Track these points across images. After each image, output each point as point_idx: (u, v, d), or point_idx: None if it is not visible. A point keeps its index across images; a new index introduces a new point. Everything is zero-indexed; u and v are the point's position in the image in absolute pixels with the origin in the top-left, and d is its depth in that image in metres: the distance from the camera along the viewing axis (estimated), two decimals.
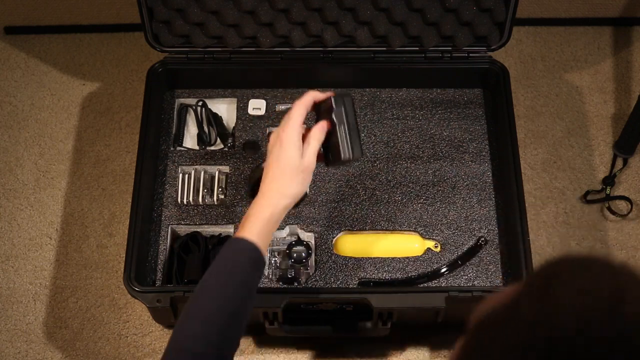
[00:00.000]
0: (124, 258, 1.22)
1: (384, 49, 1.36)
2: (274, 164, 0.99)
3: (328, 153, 1.04)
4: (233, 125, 1.39)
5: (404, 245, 1.27)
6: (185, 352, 0.88)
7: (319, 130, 1.01)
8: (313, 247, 1.27)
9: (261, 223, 0.96)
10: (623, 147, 1.47)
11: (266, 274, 1.25)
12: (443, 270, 1.25)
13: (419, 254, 1.26)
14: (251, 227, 0.95)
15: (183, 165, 1.34)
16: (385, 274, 1.25)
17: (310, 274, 1.25)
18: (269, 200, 0.97)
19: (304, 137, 1.00)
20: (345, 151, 1.01)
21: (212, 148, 1.37)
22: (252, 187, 1.31)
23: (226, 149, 1.36)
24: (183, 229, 1.30)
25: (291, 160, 0.98)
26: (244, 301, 0.93)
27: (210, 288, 0.93)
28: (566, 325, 0.51)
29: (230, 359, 0.91)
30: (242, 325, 0.93)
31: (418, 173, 1.34)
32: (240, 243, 0.95)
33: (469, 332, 0.58)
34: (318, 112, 1.04)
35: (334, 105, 1.01)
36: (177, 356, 0.88)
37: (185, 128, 1.40)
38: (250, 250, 0.94)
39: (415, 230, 1.29)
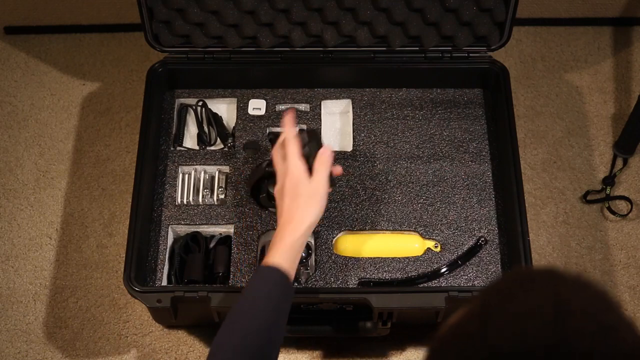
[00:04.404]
0: (124, 258, 1.22)
1: (384, 49, 1.36)
2: (289, 193, 1.06)
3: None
4: (233, 125, 1.39)
5: (404, 245, 1.27)
6: None
7: (327, 156, 1.09)
8: (313, 247, 1.27)
9: (284, 251, 1.02)
10: (623, 147, 1.47)
11: None
12: (443, 270, 1.25)
13: (419, 254, 1.26)
14: (275, 254, 1.01)
15: (183, 165, 1.34)
16: (385, 274, 1.25)
17: (310, 274, 1.25)
18: (290, 230, 1.03)
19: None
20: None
21: (212, 148, 1.37)
22: (252, 187, 1.31)
23: (226, 149, 1.36)
24: (183, 229, 1.30)
25: (302, 188, 1.06)
26: (276, 327, 0.97)
27: (243, 314, 0.96)
28: (508, 341, 0.52)
29: None
30: (276, 350, 0.96)
31: (418, 173, 1.34)
32: (267, 271, 1.00)
33: (430, 348, 0.59)
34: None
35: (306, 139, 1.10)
36: None
37: (185, 128, 1.40)
38: (278, 277, 1.00)
39: (415, 230, 1.29)
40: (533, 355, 0.51)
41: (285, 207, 1.06)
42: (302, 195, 1.05)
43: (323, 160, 1.08)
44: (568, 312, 0.52)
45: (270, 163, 1.32)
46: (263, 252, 1.27)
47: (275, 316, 0.97)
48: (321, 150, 1.09)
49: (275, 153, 1.12)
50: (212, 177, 1.34)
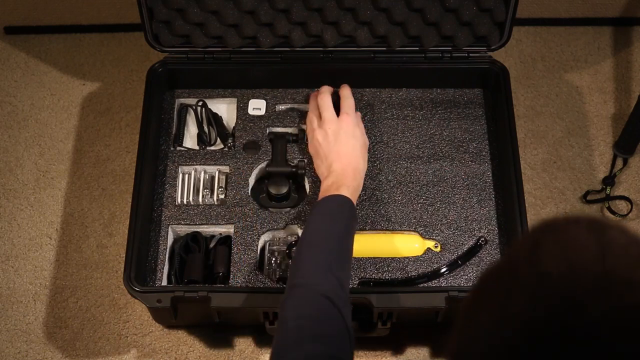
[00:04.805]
0: (124, 258, 1.22)
1: (384, 49, 1.36)
2: (347, 137, 1.21)
3: None
4: (233, 125, 1.39)
5: (404, 245, 1.27)
6: (312, 283, 0.99)
7: (360, 117, 1.29)
8: None
9: (353, 190, 1.14)
10: (623, 147, 1.47)
11: (266, 273, 1.25)
12: (443, 270, 1.25)
13: (419, 254, 1.26)
14: (346, 191, 1.12)
15: (183, 165, 1.34)
16: (385, 274, 1.25)
17: None
18: (354, 174, 1.17)
19: None
20: None
21: (212, 148, 1.37)
22: (252, 187, 1.32)
23: (226, 149, 1.36)
24: (183, 229, 1.30)
25: (361, 141, 1.23)
26: (349, 245, 1.08)
27: (321, 231, 1.07)
28: (556, 266, 0.55)
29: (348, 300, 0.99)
30: (349, 268, 1.08)
31: (418, 173, 1.34)
32: (339, 197, 1.12)
33: (477, 282, 0.62)
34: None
35: None
36: (305, 288, 0.98)
37: (185, 128, 1.40)
38: (350, 204, 1.11)
39: (415, 230, 1.29)
40: (579, 282, 0.54)
41: (345, 153, 1.19)
42: (361, 145, 1.22)
43: (360, 120, 1.28)
44: (612, 247, 0.56)
45: (270, 163, 1.33)
46: (263, 252, 1.27)
47: (350, 236, 1.09)
48: (358, 113, 1.28)
49: (325, 96, 1.27)
50: (212, 177, 1.34)
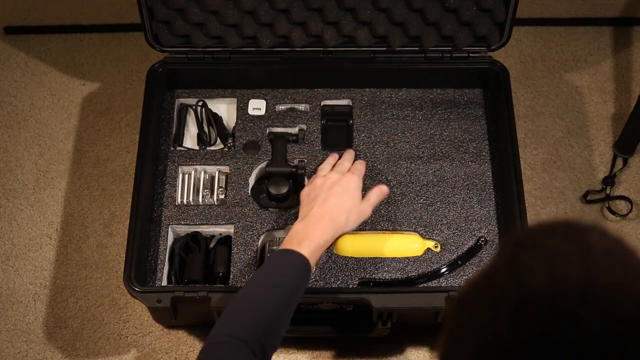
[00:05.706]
0: (124, 258, 1.22)
1: (384, 49, 1.36)
2: (339, 198, 1.14)
3: None
4: (233, 125, 1.39)
5: (404, 245, 1.27)
6: (230, 338, 0.94)
7: (382, 191, 1.20)
8: None
9: (316, 246, 1.07)
10: (623, 147, 1.47)
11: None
12: (443, 270, 1.25)
13: (419, 254, 1.26)
14: (306, 248, 1.05)
15: (183, 165, 1.34)
16: (385, 274, 1.25)
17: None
18: (327, 228, 1.10)
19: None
20: None
21: (212, 148, 1.37)
22: (252, 187, 1.32)
23: (226, 149, 1.36)
24: (183, 229, 1.30)
25: (356, 202, 1.15)
26: (289, 308, 1.01)
27: (260, 288, 1.01)
28: (539, 282, 0.53)
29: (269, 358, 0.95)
30: (282, 331, 1.00)
31: (418, 173, 1.34)
32: (295, 256, 1.05)
33: (455, 304, 0.60)
34: None
35: None
36: (222, 341, 0.94)
37: (185, 128, 1.40)
38: (303, 267, 1.04)
39: (415, 230, 1.29)
40: (567, 294, 0.52)
41: (330, 203, 1.13)
42: (355, 208, 1.14)
43: (380, 194, 1.19)
44: (594, 252, 0.54)
45: (270, 163, 1.33)
46: (263, 252, 1.27)
47: (293, 299, 1.02)
48: (384, 187, 1.20)
49: (346, 163, 1.23)
50: (212, 177, 1.34)
